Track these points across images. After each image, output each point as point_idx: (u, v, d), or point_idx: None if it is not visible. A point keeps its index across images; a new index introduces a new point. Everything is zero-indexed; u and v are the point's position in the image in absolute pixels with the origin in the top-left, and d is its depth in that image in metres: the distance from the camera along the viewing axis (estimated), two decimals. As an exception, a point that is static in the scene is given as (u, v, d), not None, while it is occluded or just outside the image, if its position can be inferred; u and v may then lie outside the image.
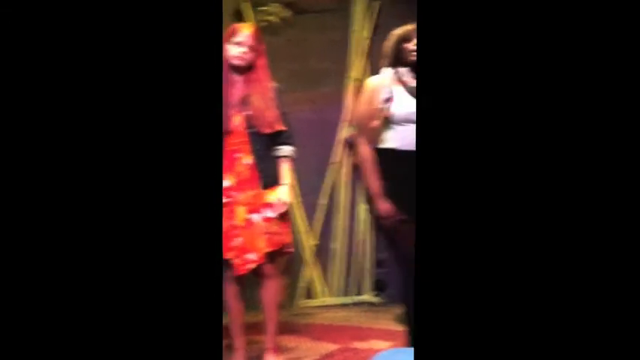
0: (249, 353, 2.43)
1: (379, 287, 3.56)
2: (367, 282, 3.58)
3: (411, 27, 2.20)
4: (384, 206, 2.17)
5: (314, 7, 3.54)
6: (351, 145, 3.53)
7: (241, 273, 2.29)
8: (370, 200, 2.22)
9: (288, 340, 2.80)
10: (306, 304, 3.48)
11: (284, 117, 2.38)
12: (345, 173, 3.58)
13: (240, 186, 2.27)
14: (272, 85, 2.39)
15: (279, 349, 2.50)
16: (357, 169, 3.50)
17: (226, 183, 2.26)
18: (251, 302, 2.55)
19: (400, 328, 2.94)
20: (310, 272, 3.52)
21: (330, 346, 2.71)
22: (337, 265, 3.56)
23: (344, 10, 3.60)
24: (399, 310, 3.28)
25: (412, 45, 2.17)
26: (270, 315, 2.41)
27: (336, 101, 3.59)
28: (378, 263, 3.59)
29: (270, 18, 3.35)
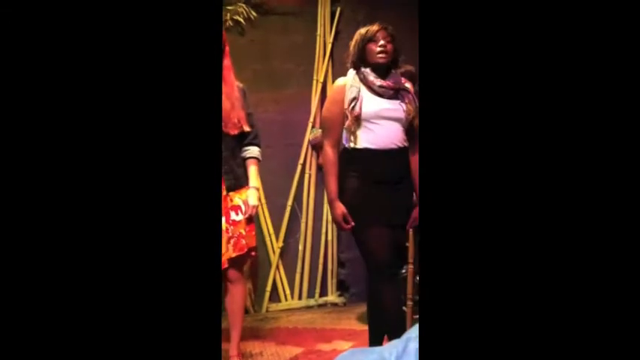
0: None
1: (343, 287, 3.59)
2: (331, 283, 3.60)
3: (375, 27, 2.21)
4: (338, 211, 2.17)
5: (278, 9, 3.55)
6: (315, 146, 3.55)
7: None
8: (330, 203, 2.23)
9: (253, 346, 2.79)
10: (272, 309, 3.47)
11: (250, 118, 2.37)
12: (310, 175, 3.59)
13: (203, 189, 2.25)
14: (238, 85, 2.36)
15: (243, 356, 2.49)
16: (322, 171, 3.52)
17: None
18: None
19: (362, 327, 2.98)
20: (276, 275, 3.52)
21: (294, 350, 2.72)
22: (303, 266, 3.57)
23: (308, 13, 3.61)
24: (361, 309, 3.32)
25: (376, 46, 2.18)
26: (234, 321, 2.38)
27: (300, 103, 3.60)
28: (341, 264, 3.61)
29: (237, 18, 3.34)
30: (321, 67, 3.59)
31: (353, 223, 2.16)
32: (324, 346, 2.74)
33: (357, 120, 2.16)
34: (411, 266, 2.53)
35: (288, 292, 3.54)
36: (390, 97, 2.19)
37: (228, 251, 2.25)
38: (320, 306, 3.55)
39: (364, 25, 2.29)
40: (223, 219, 2.25)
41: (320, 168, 3.54)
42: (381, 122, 2.16)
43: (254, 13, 3.40)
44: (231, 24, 3.36)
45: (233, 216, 2.28)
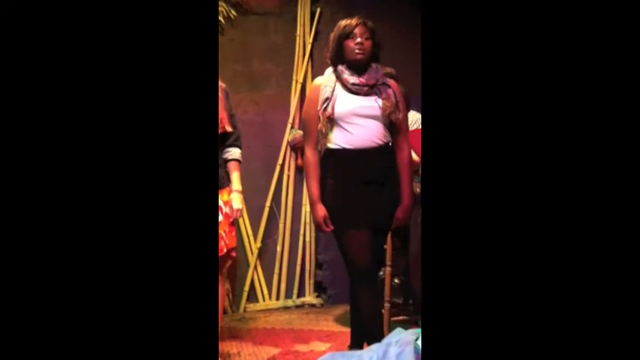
0: None
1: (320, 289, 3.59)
2: (309, 284, 3.60)
3: (354, 22, 2.16)
4: (320, 213, 2.14)
5: (257, 9, 3.54)
6: (294, 147, 3.54)
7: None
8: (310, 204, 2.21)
9: (231, 346, 2.78)
10: (250, 309, 3.46)
11: (232, 119, 2.35)
12: (288, 176, 3.59)
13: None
14: (220, 85, 2.35)
15: (221, 356, 2.48)
16: (301, 172, 3.52)
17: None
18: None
19: (339, 328, 2.98)
20: (254, 276, 3.51)
21: (271, 350, 2.71)
22: (281, 267, 3.56)
23: (287, 13, 3.61)
24: (338, 311, 3.33)
25: (353, 42, 2.14)
26: (212, 321, 2.38)
27: (279, 103, 3.59)
28: (319, 265, 3.62)
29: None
30: (301, 68, 3.59)
31: (332, 227, 2.14)
32: (302, 347, 2.74)
33: (330, 121, 2.12)
34: (388, 269, 2.55)
35: (266, 292, 3.53)
36: (365, 94, 2.14)
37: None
38: (297, 307, 3.55)
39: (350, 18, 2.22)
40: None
41: (299, 169, 3.54)
42: (357, 120, 2.12)
43: (234, 12, 3.39)
44: (212, 23, 3.34)
45: None
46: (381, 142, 2.15)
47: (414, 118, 2.92)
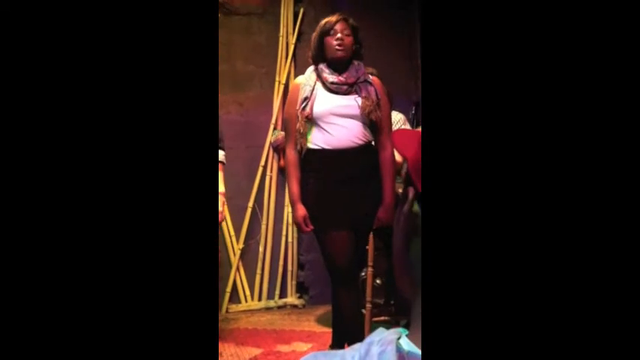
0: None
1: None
2: (291, 285, 3.61)
3: (334, 19, 2.14)
4: (300, 213, 2.13)
5: (241, 9, 3.53)
6: (276, 148, 3.55)
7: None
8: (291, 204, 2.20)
9: (211, 346, 2.77)
10: (232, 309, 3.46)
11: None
12: (271, 177, 3.59)
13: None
14: None
15: (201, 356, 2.48)
16: (283, 173, 3.53)
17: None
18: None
19: (321, 329, 2.99)
20: (236, 276, 3.50)
21: (253, 351, 2.71)
22: (263, 268, 3.56)
23: (270, 14, 3.61)
24: (320, 311, 3.34)
25: (333, 39, 2.11)
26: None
27: (262, 104, 3.59)
28: (301, 266, 3.62)
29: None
30: (284, 69, 3.59)
31: (312, 227, 2.14)
32: (283, 347, 2.75)
33: (309, 120, 2.10)
34: (370, 269, 2.56)
35: (248, 293, 3.53)
36: (345, 93, 2.12)
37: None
38: (279, 307, 3.55)
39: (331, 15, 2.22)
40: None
41: (282, 170, 3.54)
42: (336, 120, 2.09)
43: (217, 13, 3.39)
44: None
45: None
46: (361, 142, 2.12)
47: (397, 119, 2.93)
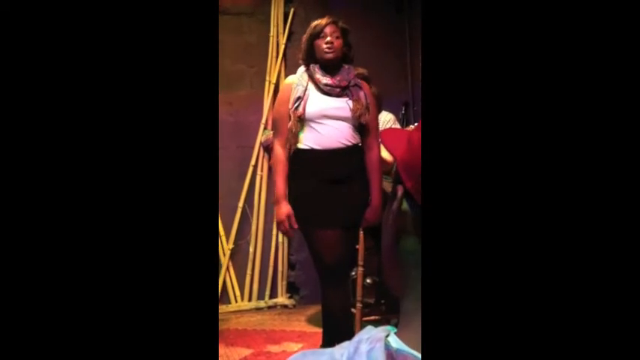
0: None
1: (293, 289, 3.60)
2: (281, 285, 3.60)
3: (324, 21, 2.17)
4: (284, 210, 2.12)
5: (231, 9, 3.53)
6: (266, 148, 3.54)
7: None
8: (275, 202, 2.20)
9: (201, 346, 2.76)
10: (222, 310, 3.45)
11: None
12: (261, 176, 3.58)
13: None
14: None
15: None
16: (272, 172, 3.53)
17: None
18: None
19: (312, 329, 2.99)
20: (226, 277, 3.49)
21: (243, 351, 2.71)
22: (253, 268, 3.55)
23: (261, 13, 3.61)
24: (310, 311, 3.34)
25: (323, 41, 2.14)
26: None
27: (252, 104, 3.59)
28: (291, 266, 3.62)
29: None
30: (274, 68, 3.59)
31: (296, 226, 2.13)
32: (274, 348, 2.74)
33: (301, 120, 2.11)
34: (360, 268, 2.56)
35: (238, 293, 3.52)
36: (337, 95, 2.15)
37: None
38: (270, 308, 3.55)
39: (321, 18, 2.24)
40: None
41: (272, 170, 3.54)
42: (327, 122, 2.12)
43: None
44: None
45: None
46: (349, 143, 2.15)
47: (387, 119, 2.94)
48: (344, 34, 2.19)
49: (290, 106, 2.13)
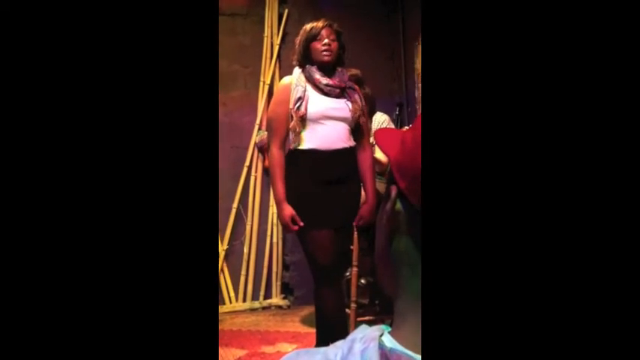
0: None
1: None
2: (276, 285, 3.60)
3: (320, 24, 2.17)
4: (287, 212, 2.13)
5: (225, 10, 3.52)
6: (261, 149, 3.54)
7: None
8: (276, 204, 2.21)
9: (196, 347, 2.76)
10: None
11: None
12: (256, 177, 3.58)
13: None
14: None
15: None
16: (268, 173, 3.52)
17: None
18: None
19: (306, 329, 2.99)
20: (220, 277, 3.49)
21: (238, 352, 2.70)
22: (247, 269, 3.55)
23: (255, 14, 3.61)
24: (305, 312, 3.34)
25: (320, 44, 2.15)
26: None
27: (246, 105, 3.58)
28: (286, 266, 3.62)
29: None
30: (268, 69, 3.59)
31: (302, 224, 2.12)
32: (268, 349, 2.74)
33: (303, 120, 2.11)
34: (355, 269, 2.57)
35: (232, 294, 3.52)
36: (336, 96, 2.16)
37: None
38: (264, 308, 3.54)
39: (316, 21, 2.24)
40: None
41: (266, 171, 3.53)
42: (327, 122, 2.13)
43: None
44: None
45: None
46: (346, 145, 2.17)
47: (381, 120, 2.95)
48: (339, 36, 2.21)
49: (291, 107, 2.12)
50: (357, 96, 2.20)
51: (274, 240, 3.59)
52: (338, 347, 0.50)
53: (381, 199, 0.56)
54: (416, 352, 0.47)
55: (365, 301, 2.88)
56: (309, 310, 3.25)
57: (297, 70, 2.22)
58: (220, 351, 2.74)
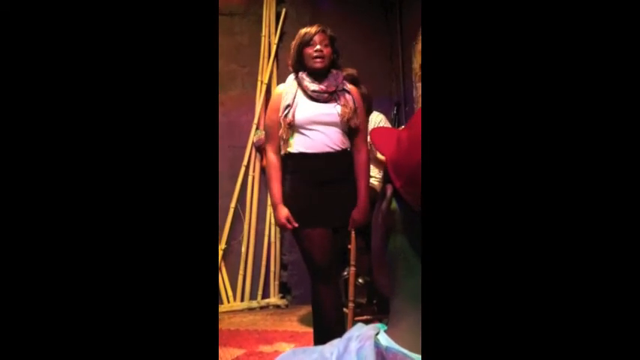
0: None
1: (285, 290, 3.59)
2: (274, 285, 3.60)
3: (313, 30, 2.20)
4: (282, 214, 2.17)
5: (223, 9, 3.52)
6: (258, 148, 3.54)
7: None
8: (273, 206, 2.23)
9: (193, 347, 2.76)
10: (213, 309, 3.44)
11: None
12: (253, 177, 3.58)
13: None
14: None
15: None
16: (265, 174, 3.52)
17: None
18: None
19: (304, 329, 2.99)
20: (218, 277, 3.49)
21: (236, 352, 2.70)
22: (245, 268, 3.55)
23: (253, 14, 3.60)
24: (303, 311, 3.34)
25: (312, 50, 2.18)
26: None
27: (244, 104, 3.58)
28: (284, 266, 3.62)
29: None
30: (266, 69, 3.59)
31: (297, 225, 2.16)
32: (266, 348, 2.74)
33: (291, 127, 2.17)
34: (352, 268, 2.57)
35: (230, 294, 3.52)
36: (325, 101, 2.19)
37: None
38: (262, 308, 3.54)
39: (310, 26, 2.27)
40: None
41: (264, 170, 3.54)
42: (316, 127, 2.17)
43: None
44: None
45: None
46: (339, 148, 2.20)
47: (377, 119, 2.95)
48: (332, 41, 2.24)
49: (280, 114, 2.18)
50: (349, 97, 2.22)
51: (272, 239, 3.59)
52: (334, 346, 0.51)
53: (373, 200, 0.57)
54: (412, 350, 0.47)
55: (363, 301, 2.88)
56: (306, 309, 3.25)
57: (290, 77, 2.28)
58: (219, 350, 2.74)
